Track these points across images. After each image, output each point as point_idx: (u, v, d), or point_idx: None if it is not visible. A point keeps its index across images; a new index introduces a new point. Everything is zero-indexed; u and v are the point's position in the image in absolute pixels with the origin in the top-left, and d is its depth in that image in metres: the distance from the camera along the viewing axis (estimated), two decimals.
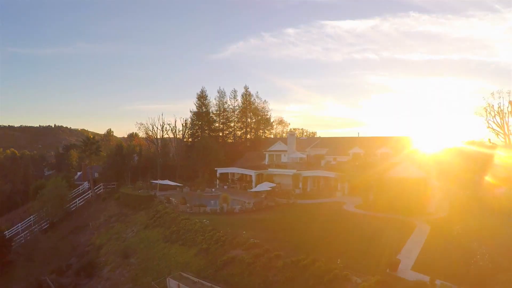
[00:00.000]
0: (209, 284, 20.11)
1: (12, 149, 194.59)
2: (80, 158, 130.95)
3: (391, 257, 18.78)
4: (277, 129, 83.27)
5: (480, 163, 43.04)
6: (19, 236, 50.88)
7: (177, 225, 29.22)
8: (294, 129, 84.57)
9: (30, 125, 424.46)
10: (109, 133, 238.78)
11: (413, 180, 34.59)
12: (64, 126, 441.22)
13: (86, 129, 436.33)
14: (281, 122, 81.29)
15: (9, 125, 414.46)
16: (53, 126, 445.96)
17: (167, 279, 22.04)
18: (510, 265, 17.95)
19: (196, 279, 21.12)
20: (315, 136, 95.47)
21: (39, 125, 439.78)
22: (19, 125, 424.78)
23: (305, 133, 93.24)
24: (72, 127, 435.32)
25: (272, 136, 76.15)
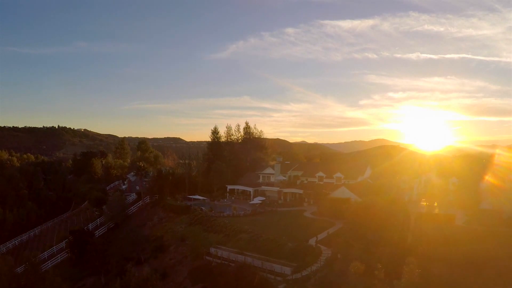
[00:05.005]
0: (231, 249, 45.51)
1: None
2: (104, 168, 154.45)
3: (309, 236, 44.31)
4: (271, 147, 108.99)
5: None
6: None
7: (210, 223, 54.92)
8: (280, 153, 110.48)
9: (34, 126, 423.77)
10: (122, 140, 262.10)
11: (344, 198, 59.90)
12: (68, 127, 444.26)
13: (88, 129, 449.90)
14: (272, 146, 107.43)
15: (13, 126, 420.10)
16: (56, 127, 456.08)
17: (210, 248, 47.36)
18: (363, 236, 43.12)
19: (224, 247, 46.56)
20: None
21: (43, 126, 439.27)
22: (23, 126, 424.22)
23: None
24: (75, 128, 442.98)
25: (266, 156, 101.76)
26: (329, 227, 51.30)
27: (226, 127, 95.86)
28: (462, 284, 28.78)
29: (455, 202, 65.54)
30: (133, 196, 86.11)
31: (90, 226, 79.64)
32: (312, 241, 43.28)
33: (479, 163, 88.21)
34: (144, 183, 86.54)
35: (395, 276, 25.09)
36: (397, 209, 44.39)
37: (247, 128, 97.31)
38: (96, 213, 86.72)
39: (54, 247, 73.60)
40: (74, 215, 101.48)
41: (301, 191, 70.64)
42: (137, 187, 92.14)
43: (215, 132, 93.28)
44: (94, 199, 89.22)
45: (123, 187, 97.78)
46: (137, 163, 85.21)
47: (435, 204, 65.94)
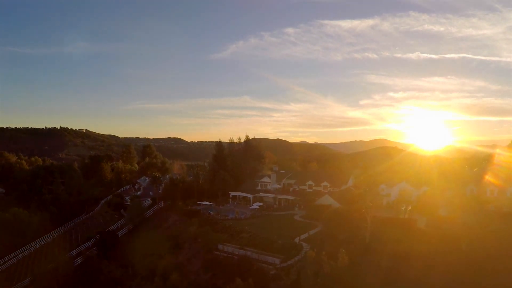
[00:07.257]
0: (234, 245, 58.43)
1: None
2: (115, 173, 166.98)
3: (295, 235, 57.31)
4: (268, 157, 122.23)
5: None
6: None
7: (217, 225, 67.94)
8: (276, 162, 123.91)
9: (36, 126, 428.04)
10: (129, 145, 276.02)
11: (327, 205, 72.75)
12: (70, 128, 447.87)
13: (89, 129, 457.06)
14: (269, 155, 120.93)
15: (16, 127, 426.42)
16: (58, 128, 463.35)
17: (218, 245, 60.28)
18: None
19: (229, 244, 59.53)
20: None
21: (45, 127, 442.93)
22: (25, 127, 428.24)
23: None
24: (77, 128, 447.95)
25: (264, 166, 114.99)
26: (312, 228, 64.13)
27: (229, 140, 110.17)
28: (385, 269, 41.79)
29: (422, 208, 78.06)
30: (148, 201, 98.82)
31: (113, 227, 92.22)
32: (296, 239, 56.22)
33: (461, 170, 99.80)
34: (158, 189, 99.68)
35: (333, 259, 38.14)
36: (355, 214, 57.11)
37: (247, 140, 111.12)
38: (116, 216, 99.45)
39: (82, 245, 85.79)
40: (92, 217, 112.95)
41: (293, 198, 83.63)
42: (151, 193, 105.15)
43: (219, 145, 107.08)
44: (114, 203, 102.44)
45: (138, 193, 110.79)
46: (153, 173, 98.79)
47: (409, 209, 78.47)
